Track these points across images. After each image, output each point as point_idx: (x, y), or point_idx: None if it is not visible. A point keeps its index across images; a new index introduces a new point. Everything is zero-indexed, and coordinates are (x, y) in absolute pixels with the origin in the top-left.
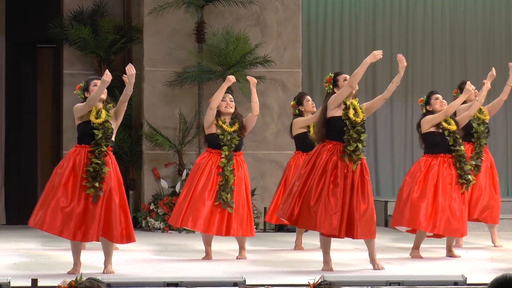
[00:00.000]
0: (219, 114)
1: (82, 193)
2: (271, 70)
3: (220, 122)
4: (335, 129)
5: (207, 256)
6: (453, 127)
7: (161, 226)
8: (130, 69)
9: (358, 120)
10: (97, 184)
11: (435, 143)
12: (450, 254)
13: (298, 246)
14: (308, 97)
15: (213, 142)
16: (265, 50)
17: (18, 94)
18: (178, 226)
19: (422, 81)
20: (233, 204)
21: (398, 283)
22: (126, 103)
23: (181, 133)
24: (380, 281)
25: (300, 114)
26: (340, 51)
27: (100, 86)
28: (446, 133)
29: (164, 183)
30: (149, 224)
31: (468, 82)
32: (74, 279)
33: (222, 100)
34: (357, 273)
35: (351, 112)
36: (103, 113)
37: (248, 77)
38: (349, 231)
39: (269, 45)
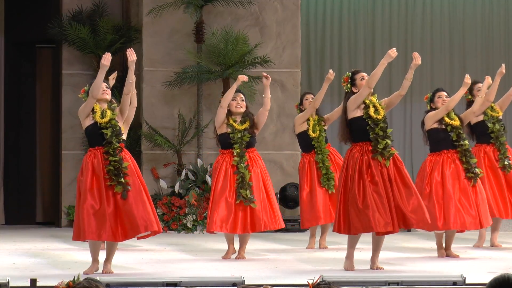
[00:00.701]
0: (230, 113)
1: (110, 193)
2: (270, 70)
3: (231, 121)
4: (358, 130)
5: (228, 254)
6: (456, 122)
7: (161, 226)
8: (131, 55)
9: (380, 117)
10: (122, 180)
11: (439, 139)
12: (448, 253)
13: (322, 245)
14: (308, 95)
15: (225, 142)
16: (264, 50)
17: (17, 94)
18: (209, 232)
19: (421, 81)
20: (255, 199)
21: (398, 283)
22: (130, 96)
23: (180, 133)
24: (380, 281)
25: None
26: (339, 51)
27: (100, 72)
28: (449, 128)
29: (163, 183)
30: None
31: (467, 75)
32: (72, 279)
33: (232, 100)
34: (357, 273)
35: (372, 111)
36: (108, 113)
37: (264, 74)
38: (403, 223)
39: (268, 45)
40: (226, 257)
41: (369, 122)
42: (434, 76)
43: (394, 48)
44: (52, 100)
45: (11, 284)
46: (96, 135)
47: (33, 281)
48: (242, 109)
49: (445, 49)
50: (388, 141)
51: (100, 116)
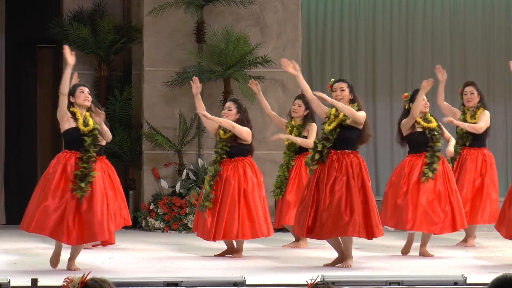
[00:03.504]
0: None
1: (75, 197)
2: (271, 70)
3: (220, 130)
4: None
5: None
6: (432, 124)
7: (161, 226)
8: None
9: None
10: (83, 185)
11: (418, 142)
12: (422, 252)
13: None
14: (296, 101)
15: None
16: (265, 50)
17: (18, 94)
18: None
19: (421, 81)
20: (204, 206)
21: (398, 283)
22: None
23: (181, 133)
24: (380, 281)
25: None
26: (340, 51)
27: (65, 71)
28: (427, 131)
29: (164, 183)
30: (149, 224)
31: (429, 79)
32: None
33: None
34: (357, 273)
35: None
36: (91, 121)
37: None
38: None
39: (269, 45)
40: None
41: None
42: (434, 76)
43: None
44: (52, 100)
45: (12, 284)
46: (75, 140)
47: (34, 281)
48: (228, 118)
49: (446, 49)
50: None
51: (82, 124)
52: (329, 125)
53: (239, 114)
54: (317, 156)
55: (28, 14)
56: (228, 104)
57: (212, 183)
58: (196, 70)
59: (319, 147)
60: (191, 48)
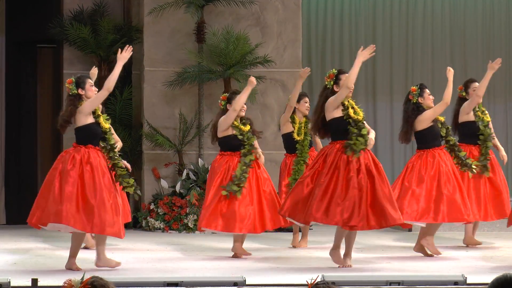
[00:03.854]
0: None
1: (115, 186)
2: (271, 70)
3: (236, 123)
4: (338, 130)
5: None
6: (442, 118)
7: (161, 226)
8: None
9: (360, 117)
10: (132, 181)
11: (435, 135)
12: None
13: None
14: (307, 99)
15: (230, 144)
16: (265, 50)
17: (18, 93)
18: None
19: (422, 80)
20: (237, 189)
21: (398, 283)
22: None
23: (181, 133)
24: (380, 281)
25: (294, 111)
26: (340, 51)
27: (118, 64)
28: (439, 124)
29: (164, 183)
30: (149, 224)
31: (449, 68)
32: (74, 278)
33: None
34: (357, 273)
35: (351, 112)
36: (106, 121)
37: (251, 77)
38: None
39: (269, 45)
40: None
41: (350, 121)
42: (435, 76)
43: (371, 46)
44: (53, 100)
45: (12, 284)
46: (97, 135)
47: (34, 281)
48: (243, 113)
49: (446, 48)
50: (361, 138)
51: (104, 121)
52: (358, 114)
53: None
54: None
55: (28, 14)
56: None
57: (247, 171)
58: (196, 70)
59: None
60: (191, 48)
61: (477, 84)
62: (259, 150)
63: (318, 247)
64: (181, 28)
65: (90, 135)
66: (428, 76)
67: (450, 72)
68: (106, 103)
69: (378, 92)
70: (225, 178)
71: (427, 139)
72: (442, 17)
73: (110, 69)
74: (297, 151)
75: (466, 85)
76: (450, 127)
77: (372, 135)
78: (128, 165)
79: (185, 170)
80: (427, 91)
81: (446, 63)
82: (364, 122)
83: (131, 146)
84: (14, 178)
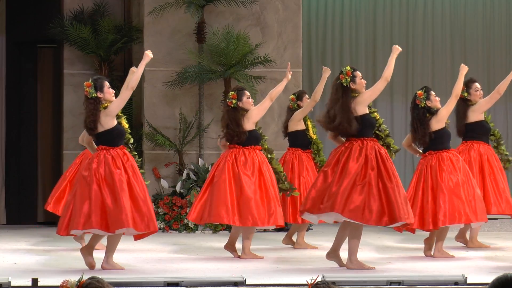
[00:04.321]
0: (244, 110)
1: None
2: (271, 70)
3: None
4: (369, 126)
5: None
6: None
7: (162, 226)
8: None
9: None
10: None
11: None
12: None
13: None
14: (307, 96)
15: (256, 137)
16: (266, 50)
17: (18, 93)
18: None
19: (422, 80)
20: (294, 187)
21: (399, 283)
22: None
23: (182, 133)
24: (381, 280)
25: (297, 109)
26: (340, 51)
27: (142, 63)
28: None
29: (164, 183)
30: None
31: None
32: (73, 278)
33: (249, 98)
34: (358, 273)
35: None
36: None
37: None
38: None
39: (269, 45)
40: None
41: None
42: (435, 75)
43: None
44: (53, 100)
45: (12, 284)
46: (123, 136)
47: (35, 281)
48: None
49: (446, 48)
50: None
51: (125, 122)
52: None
53: None
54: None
55: (28, 14)
56: (248, 94)
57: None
58: (197, 70)
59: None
60: (191, 48)
61: (477, 84)
62: None
63: (317, 248)
64: (182, 28)
65: (119, 136)
66: (428, 76)
67: (464, 68)
68: None
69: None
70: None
71: (443, 139)
72: (442, 17)
73: (111, 69)
74: (312, 149)
75: (467, 85)
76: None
77: None
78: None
79: (186, 170)
80: (433, 93)
81: (446, 63)
82: None
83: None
84: (14, 178)
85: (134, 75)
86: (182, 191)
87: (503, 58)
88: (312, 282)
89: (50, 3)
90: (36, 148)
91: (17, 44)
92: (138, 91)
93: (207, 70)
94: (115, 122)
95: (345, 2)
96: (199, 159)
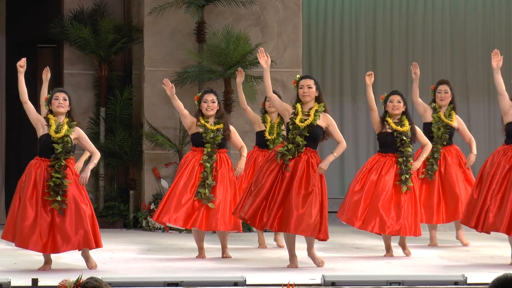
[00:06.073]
0: (202, 114)
1: (48, 207)
2: (271, 70)
3: (203, 121)
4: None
5: (200, 255)
6: (404, 128)
7: (162, 226)
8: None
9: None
10: (59, 198)
11: (385, 143)
12: (404, 251)
13: (262, 245)
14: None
15: (197, 141)
16: (265, 50)
17: (18, 94)
18: (155, 220)
19: (422, 81)
20: (213, 198)
21: (399, 283)
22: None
23: (182, 133)
24: (380, 281)
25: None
26: (340, 51)
27: (19, 78)
28: (395, 134)
29: (164, 183)
30: (149, 224)
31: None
32: (73, 278)
33: (203, 102)
34: (358, 273)
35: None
36: (64, 128)
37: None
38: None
39: (269, 45)
40: (198, 257)
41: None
42: (435, 77)
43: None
44: None
45: (12, 284)
46: (47, 147)
47: (35, 281)
48: (212, 112)
49: (446, 49)
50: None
51: (54, 130)
52: (302, 121)
53: (219, 106)
54: (296, 152)
55: (28, 14)
56: (212, 96)
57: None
58: (197, 70)
59: (300, 143)
60: (191, 48)
61: (445, 87)
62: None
63: (317, 247)
64: (182, 28)
65: (41, 147)
66: (428, 76)
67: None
68: (106, 103)
69: (378, 92)
70: (191, 174)
71: (379, 144)
72: (442, 17)
73: (111, 69)
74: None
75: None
76: (406, 138)
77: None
78: None
79: None
80: (390, 97)
81: (446, 63)
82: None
83: (131, 146)
84: (14, 178)
85: (18, 89)
86: None
87: (503, 58)
88: (291, 283)
89: (50, 3)
90: (36, 148)
91: (17, 44)
92: (138, 91)
93: (207, 70)
94: (40, 133)
95: (345, 2)
96: None
